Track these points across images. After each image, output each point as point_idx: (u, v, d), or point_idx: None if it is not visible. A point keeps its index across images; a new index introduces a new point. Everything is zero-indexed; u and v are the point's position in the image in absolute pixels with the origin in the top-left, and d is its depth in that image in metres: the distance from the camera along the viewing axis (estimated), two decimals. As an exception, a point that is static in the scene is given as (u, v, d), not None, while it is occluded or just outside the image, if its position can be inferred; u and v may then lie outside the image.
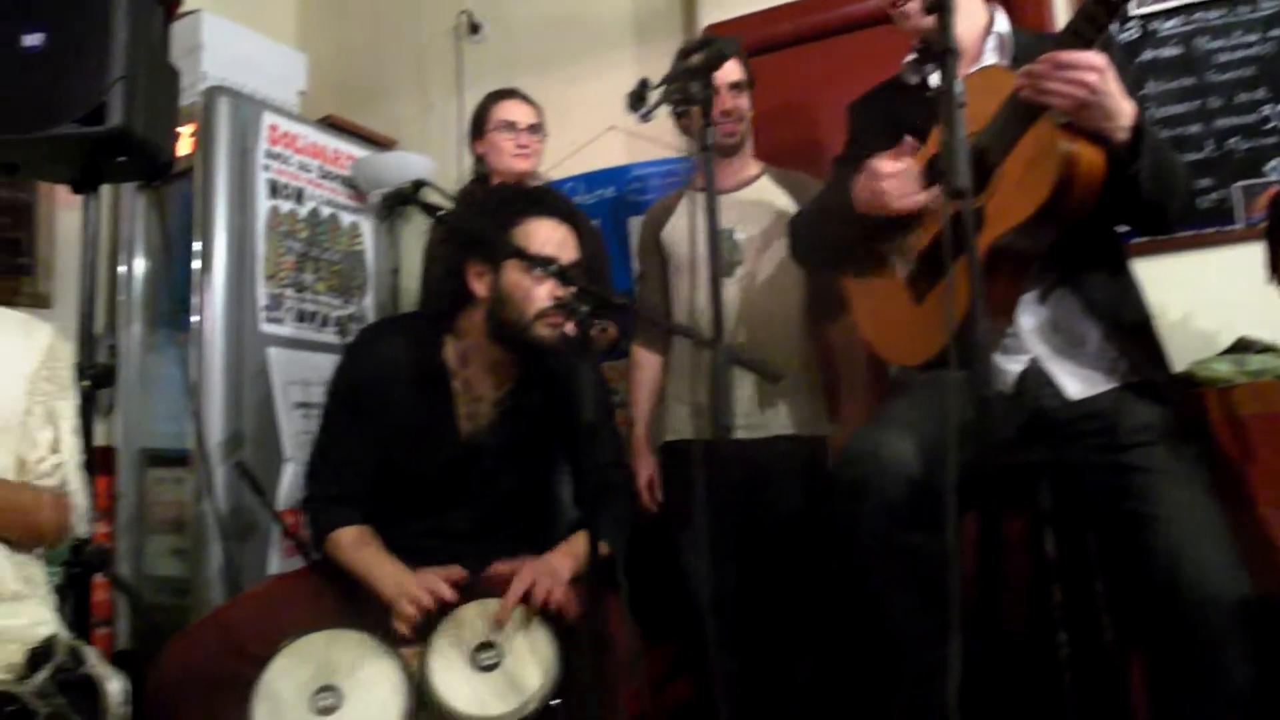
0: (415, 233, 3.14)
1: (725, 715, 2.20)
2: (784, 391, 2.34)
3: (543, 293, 1.83)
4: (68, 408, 1.65)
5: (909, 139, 1.80)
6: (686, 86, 1.46)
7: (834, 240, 1.99)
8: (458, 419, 1.93)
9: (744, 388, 2.37)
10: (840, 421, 2.42)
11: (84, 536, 1.68)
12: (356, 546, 1.86)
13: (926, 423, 1.63)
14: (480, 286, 1.90)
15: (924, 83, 1.98)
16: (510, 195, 2.03)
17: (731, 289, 2.38)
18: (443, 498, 1.94)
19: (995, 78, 1.71)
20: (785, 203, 2.43)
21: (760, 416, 2.36)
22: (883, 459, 1.61)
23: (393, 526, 1.92)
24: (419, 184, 1.80)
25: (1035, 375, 1.76)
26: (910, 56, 2.00)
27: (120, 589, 2.55)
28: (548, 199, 1.95)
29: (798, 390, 2.37)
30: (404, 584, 1.74)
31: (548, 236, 1.86)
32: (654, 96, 1.69)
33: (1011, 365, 1.78)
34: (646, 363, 2.54)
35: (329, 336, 3.05)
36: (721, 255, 2.39)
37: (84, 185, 2.30)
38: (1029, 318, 1.78)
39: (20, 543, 1.57)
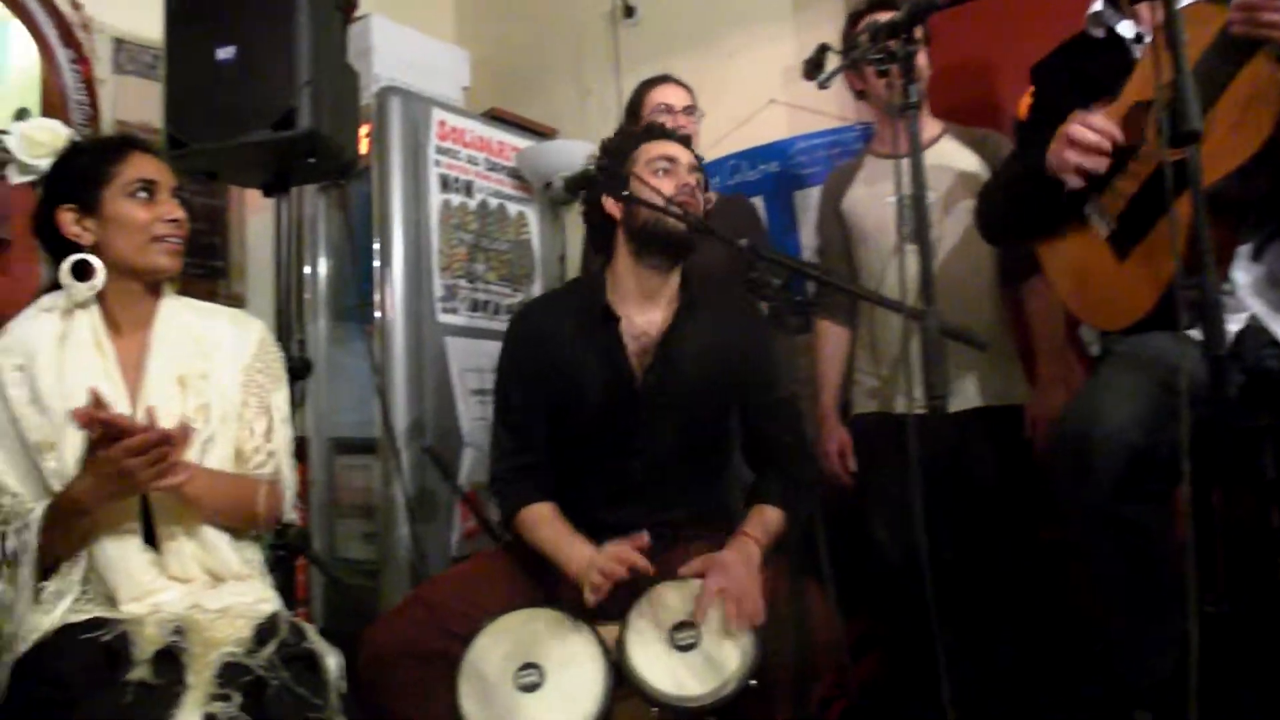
0: (579, 219, 3.17)
1: (926, 692, 2.18)
2: (974, 361, 2.24)
3: (668, 186, 1.91)
4: (279, 399, 1.74)
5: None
6: (887, 44, 1.39)
7: (1027, 210, 1.89)
8: (628, 356, 1.95)
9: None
10: (1036, 390, 2.31)
11: (292, 521, 1.78)
12: (544, 524, 1.89)
13: (1145, 388, 1.53)
14: (616, 209, 1.98)
15: (1111, 34, 1.85)
16: (627, 130, 2.16)
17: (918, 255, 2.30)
18: (618, 446, 1.94)
19: (1201, 12, 1.58)
20: (969, 162, 2.32)
21: (949, 388, 2.27)
22: (1101, 428, 1.53)
23: (572, 490, 1.95)
24: (602, 165, 1.80)
25: (1255, 334, 1.64)
26: (1095, 7, 1.88)
27: (320, 570, 2.69)
28: (655, 129, 2.06)
29: (988, 359, 2.27)
30: (593, 557, 1.75)
31: (662, 150, 1.97)
32: (833, 62, 1.64)
33: (1228, 325, 1.65)
34: (832, 335, 2.49)
35: (501, 324, 3.12)
36: (905, 221, 2.35)
37: (275, 188, 2.43)
38: (1244, 273, 1.66)
39: (240, 528, 1.67)
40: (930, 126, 2.41)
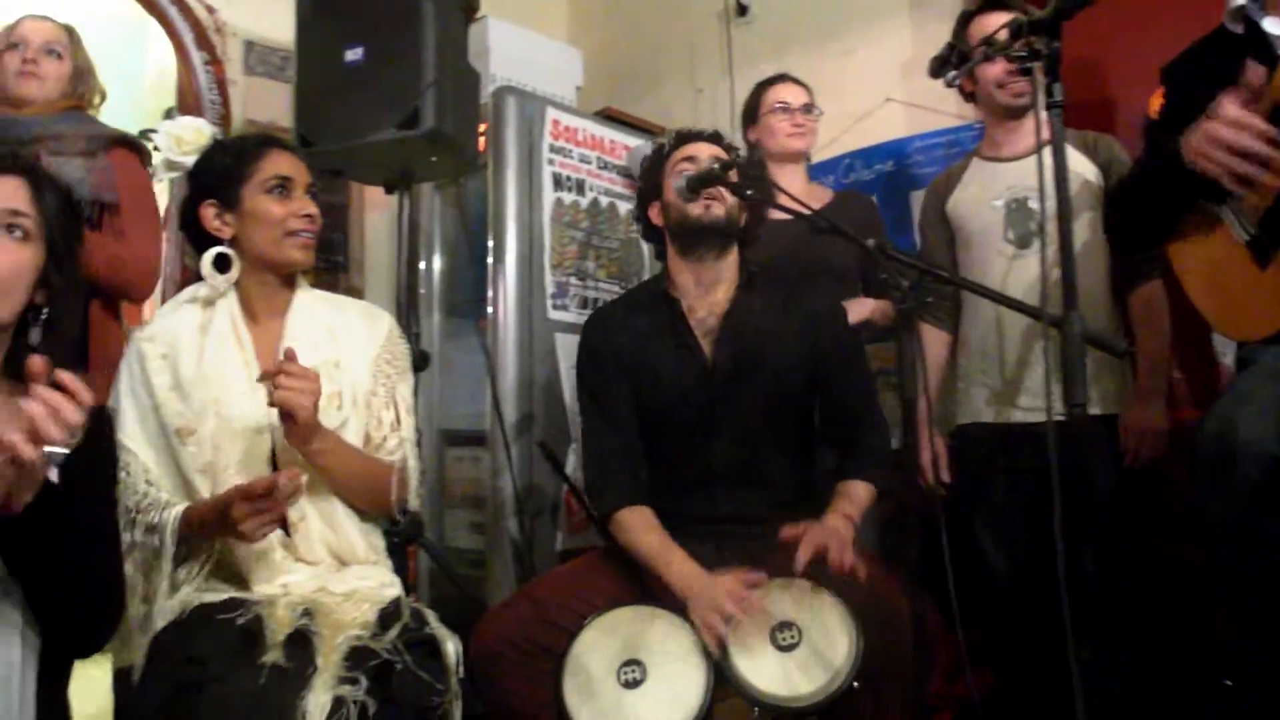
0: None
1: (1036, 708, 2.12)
2: (1090, 369, 2.17)
3: (678, 176, 1.97)
4: (406, 389, 1.79)
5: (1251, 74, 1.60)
6: (1030, 42, 1.35)
7: (1162, 210, 1.82)
8: (696, 337, 1.99)
9: (1039, 368, 2.22)
10: (1135, 401, 2.22)
11: (416, 509, 1.82)
12: (643, 531, 1.88)
13: None
14: (655, 214, 2.07)
15: (1253, 29, 1.76)
16: (659, 142, 2.23)
17: (1030, 261, 2.24)
18: (700, 430, 1.96)
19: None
20: (1083, 165, 2.24)
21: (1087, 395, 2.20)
22: (1240, 437, 1.47)
23: (658, 480, 1.97)
24: (726, 165, 1.80)
25: None
26: (1237, 1, 1.79)
27: (432, 557, 2.75)
28: (680, 134, 2.11)
29: (1101, 366, 2.19)
30: (704, 592, 1.70)
31: (684, 152, 2.04)
32: (955, 60, 1.60)
33: None
34: (933, 340, 2.43)
35: (610, 322, 3.16)
36: (1011, 226, 2.29)
37: (396, 185, 2.50)
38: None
39: (367, 512, 1.72)
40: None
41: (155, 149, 1.77)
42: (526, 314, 2.96)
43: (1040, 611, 2.15)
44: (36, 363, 1.12)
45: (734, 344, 1.97)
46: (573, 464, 3.01)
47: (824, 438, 2.08)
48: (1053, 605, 2.01)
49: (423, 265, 3.31)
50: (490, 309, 2.95)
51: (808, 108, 2.63)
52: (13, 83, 2.37)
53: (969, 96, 2.44)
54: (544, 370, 2.99)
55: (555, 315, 3.03)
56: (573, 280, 3.09)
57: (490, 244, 2.97)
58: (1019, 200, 2.27)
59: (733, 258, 2.03)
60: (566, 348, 3.04)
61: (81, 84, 2.47)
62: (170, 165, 1.75)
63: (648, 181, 2.11)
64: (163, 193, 3.78)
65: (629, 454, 1.99)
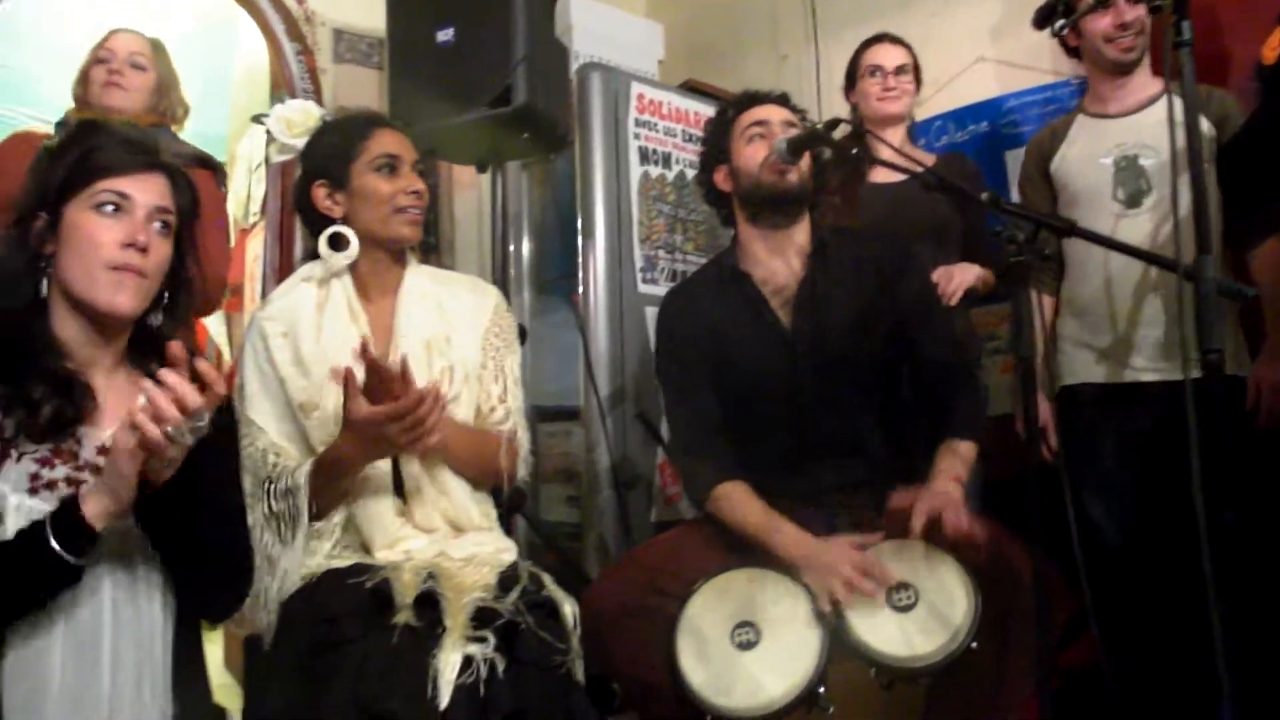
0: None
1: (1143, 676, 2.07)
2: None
3: (760, 152, 1.94)
4: (513, 362, 1.83)
5: None
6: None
7: (1276, 162, 1.75)
8: (773, 309, 1.97)
9: (1153, 327, 2.16)
10: (1264, 356, 2.13)
11: (525, 479, 1.86)
12: (743, 504, 1.85)
13: None
14: (722, 179, 2.04)
15: None
16: (724, 104, 2.19)
17: (1140, 220, 2.17)
18: (787, 404, 1.94)
19: None
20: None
21: (1167, 360, 2.14)
22: None
23: (751, 459, 1.93)
24: (832, 123, 1.79)
25: None
26: None
27: (534, 529, 2.80)
28: (756, 95, 2.06)
29: None
30: (818, 556, 1.69)
31: (753, 115, 1.99)
32: (1063, 9, 1.56)
33: None
34: (1040, 303, 2.37)
35: (698, 295, 3.16)
36: (1122, 184, 2.22)
37: (488, 164, 2.53)
38: None
39: (479, 481, 1.76)
40: (1150, 84, 2.26)
41: (267, 133, 1.82)
42: (617, 288, 2.97)
43: (1151, 582, 2.12)
44: (176, 349, 1.20)
45: (813, 312, 1.94)
46: (666, 437, 3.03)
47: (916, 399, 2.03)
48: (1164, 575, 1.97)
49: (511, 245, 3.35)
50: (580, 285, 2.98)
51: (902, 69, 2.57)
52: (100, 94, 2.44)
53: (1072, 51, 2.37)
54: (635, 344, 3.01)
55: (645, 289, 3.04)
56: (661, 254, 3.10)
57: (579, 220, 3.00)
58: (1129, 158, 2.21)
59: (805, 223, 2.01)
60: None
61: (165, 98, 2.53)
62: (282, 149, 1.80)
63: (712, 146, 2.07)
64: (259, 181, 3.90)
65: (717, 432, 1.97)
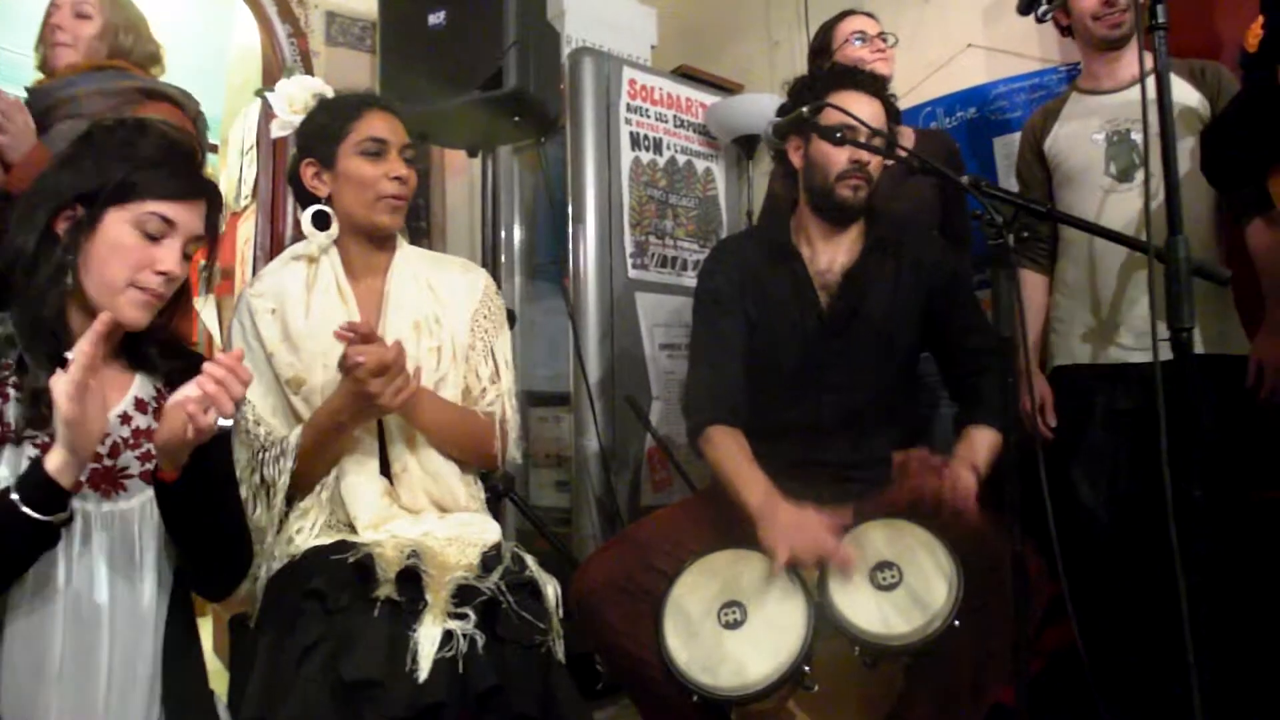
0: (765, 175, 3.17)
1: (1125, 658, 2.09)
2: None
3: (842, 158, 1.94)
4: (503, 344, 1.83)
5: None
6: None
7: (1262, 142, 1.76)
8: (815, 289, 2.01)
9: (1140, 306, 2.17)
10: (1264, 333, 2.13)
11: (517, 462, 1.86)
12: (726, 447, 1.87)
13: None
14: (796, 158, 2.05)
15: None
16: (823, 73, 2.16)
17: (1131, 195, 2.18)
18: (811, 380, 1.98)
19: None
20: (1188, 94, 2.16)
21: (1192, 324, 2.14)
22: None
23: (768, 428, 1.95)
24: (817, 107, 1.79)
25: None
26: None
27: (522, 513, 2.82)
28: (856, 74, 2.04)
29: (1205, 304, 2.12)
30: (780, 518, 1.70)
31: (854, 108, 1.91)
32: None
33: None
34: (1031, 282, 2.38)
35: (689, 280, 3.17)
36: (1113, 159, 2.23)
37: (479, 148, 2.53)
38: None
39: (467, 463, 1.77)
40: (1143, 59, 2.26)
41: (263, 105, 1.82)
42: (607, 274, 2.99)
43: (1137, 561, 2.13)
44: (106, 319, 1.23)
45: (852, 303, 1.99)
46: (656, 421, 3.04)
47: (948, 388, 2.08)
48: (1152, 555, 1.97)
49: (502, 231, 3.36)
50: (571, 270, 2.99)
51: (883, 35, 2.58)
52: (52, 56, 2.30)
53: (1065, 30, 2.38)
54: (625, 329, 3.02)
55: (635, 274, 3.05)
56: (652, 239, 3.11)
57: (570, 206, 3.00)
58: (1120, 133, 2.22)
59: (861, 221, 2.05)
60: (646, 306, 3.07)
61: (115, 41, 2.32)
62: (282, 124, 1.80)
63: (794, 118, 1.91)
64: (250, 164, 3.89)
65: (733, 380, 1.98)
